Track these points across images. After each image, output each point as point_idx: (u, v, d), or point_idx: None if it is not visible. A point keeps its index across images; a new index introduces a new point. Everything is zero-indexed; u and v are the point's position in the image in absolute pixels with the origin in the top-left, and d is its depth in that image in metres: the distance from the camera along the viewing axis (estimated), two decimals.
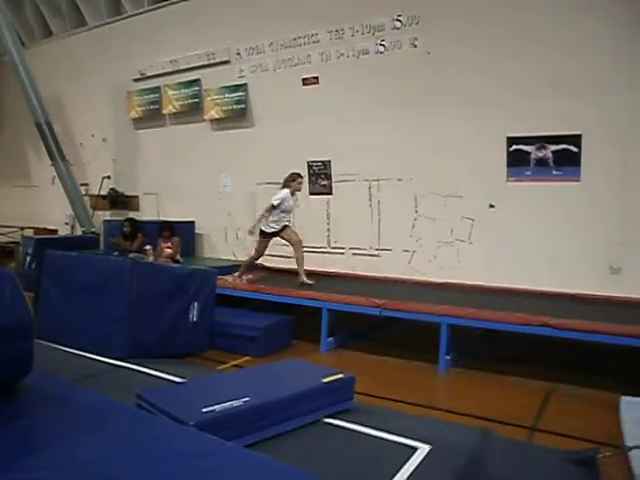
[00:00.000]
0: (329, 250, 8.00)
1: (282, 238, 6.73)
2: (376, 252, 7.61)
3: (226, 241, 9.19)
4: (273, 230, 6.60)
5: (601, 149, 6.04)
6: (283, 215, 6.59)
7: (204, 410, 2.72)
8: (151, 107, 9.89)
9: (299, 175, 6.73)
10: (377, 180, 7.53)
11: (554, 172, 6.34)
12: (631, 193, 5.90)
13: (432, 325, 5.34)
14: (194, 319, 5.33)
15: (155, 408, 2.82)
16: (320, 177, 8.01)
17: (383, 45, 7.26)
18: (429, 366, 5.31)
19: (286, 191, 6.57)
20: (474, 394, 4.73)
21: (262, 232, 6.62)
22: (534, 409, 4.37)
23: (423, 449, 2.83)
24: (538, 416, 4.26)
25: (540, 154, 6.44)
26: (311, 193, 8.05)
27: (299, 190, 6.81)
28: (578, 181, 6.22)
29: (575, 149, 6.21)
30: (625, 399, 4.34)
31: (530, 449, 3.68)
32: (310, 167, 8.03)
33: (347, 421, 3.15)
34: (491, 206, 6.69)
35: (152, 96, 9.85)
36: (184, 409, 2.74)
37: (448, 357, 5.29)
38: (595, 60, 5.97)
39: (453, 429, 3.45)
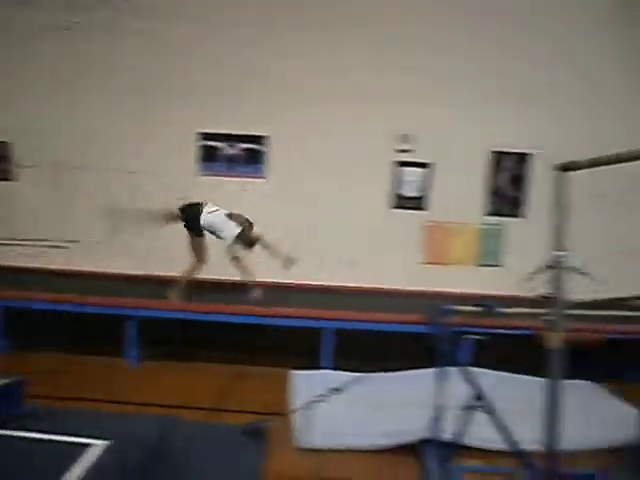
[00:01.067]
0: None
1: None
2: None
3: None
4: None
5: (281, 150, 6.71)
6: None
7: None
8: None
9: None
10: None
11: (242, 169, 6.80)
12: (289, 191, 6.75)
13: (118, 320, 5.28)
14: None
15: None
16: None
17: None
18: (122, 361, 5.24)
19: None
20: (165, 383, 4.85)
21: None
22: (221, 391, 4.67)
23: (98, 446, 2.80)
24: (223, 397, 4.56)
25: (231, 151, 6.83)
26: None
27: None
28: (263, 178, 6.78)
29: (262, 148, 6.76)
30: (294, 373, 4.95)
31: (213, 429, 3.94)
32: None
33: (12, 429, 2.94)
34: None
35: None
36: None
37: (138, 350, 5.30)
38: None
39: (135, 422, 3.49)
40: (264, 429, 3.69)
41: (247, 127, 6.72)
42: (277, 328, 5.44)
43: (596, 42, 6.51)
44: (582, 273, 2.35)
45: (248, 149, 6.81)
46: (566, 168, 2.22)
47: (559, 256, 2.22)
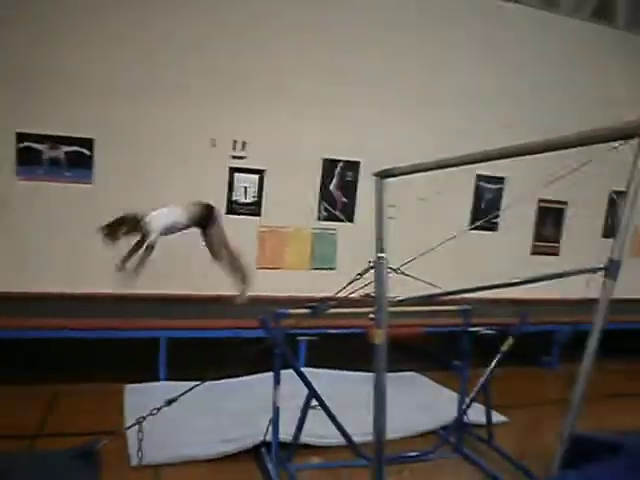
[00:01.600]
0: None
1: None
2: None
3: None
4: None
5: (112, 153, 6.36)
6: None
7: None
8: None
9: None
10: None
11: (66, 173, 6.34)
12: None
13: None
14: None
15: None
16: None
17: None
18: None
19: None
20: None
21: None
22: (40, 415, 4.29)
23: None
24: (49, 421, 4.21)
25: (53, 154, 6.34)
26: None
27: None
28: (90, 184, 6.38)
29: (88, 152, 6.35)
30: (128, 387, 4.75)
31: (37, 458, 3.60)
32: None
33: None
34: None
35: None
36: None
37: None
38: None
39: None
40: (95, 450, 3.47)
41: (71, 129, 6.30)
42: (109, 341, 5.16)
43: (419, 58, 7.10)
44: (402, 273, 2.54)
45: (73, 152, 6.37)
46: (385, 175, 2.39)
47: (380, 257, 2.38)
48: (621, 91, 7.85)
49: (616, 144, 3.03)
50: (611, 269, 3.34)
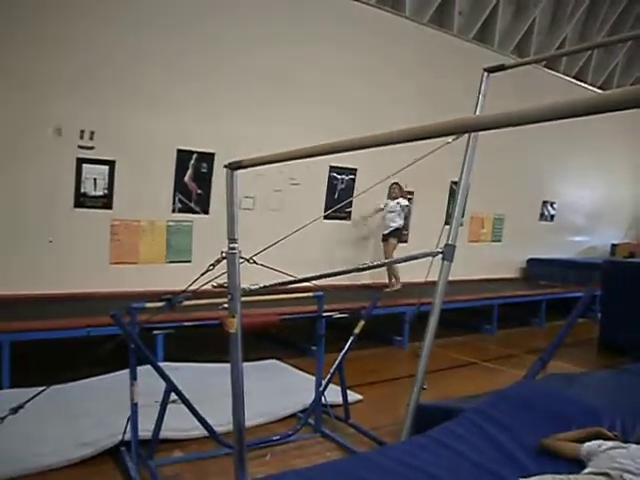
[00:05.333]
0: None
1: None
2: None
3: None
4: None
5: None
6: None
7: None
8: None
9: None
10: None
11: None
12: None
13: None
14: None
15: None
16: None
17: None
18: None
19: None
20: None
21: None
22: None
23: None
24: None
25: None
26: None
27: None
28: None
29: None
30: None
31: None
32: None
33: None
34: None
35: None
36: None
37: None
38: None
39: None
40: None
41: None
42: None
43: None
44: (255, 262, 2.59)
45: None
46: (235, 166, 2.42)
47: (231, 247, 2.42)
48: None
49: (449, 139, 3.36)
50: (447, 252, 3.70)
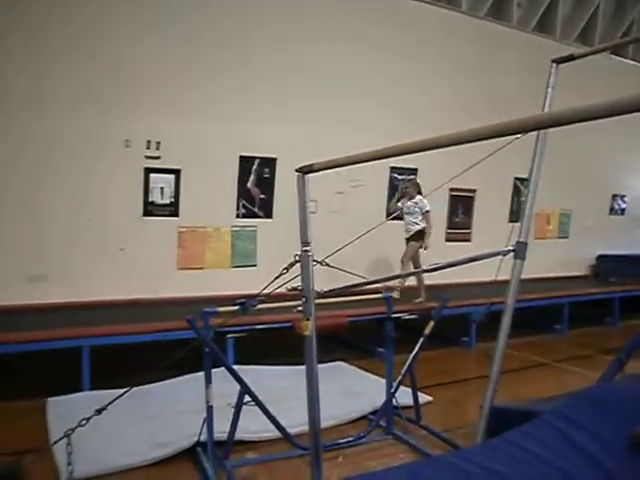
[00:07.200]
0: None
1: None
2: None
3: None
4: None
5: None
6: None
7: None
8: None
9: None
10: None
11: None
12: None
13: None
14: None
15: None
16: None
17: None
18: None
19: None
20: None
21: None
22: None
23: None
24: None
25: None
26: None
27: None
28: None
29: None
30: (51, 400, 4.55)
31: None
32: None
33: None
34: None
35: None
36: None
37: None
38: None
39: None
40: (21, 470, 3.32)
41: None
42: (28, 355, 4.93)
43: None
44: (327, 265, 2.61)
45: None
46: (306, 170, 2.44)
47: (305, 250, 2.44)
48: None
49: (519, 134, 3.27)
50: (519, 250, 3.60)
